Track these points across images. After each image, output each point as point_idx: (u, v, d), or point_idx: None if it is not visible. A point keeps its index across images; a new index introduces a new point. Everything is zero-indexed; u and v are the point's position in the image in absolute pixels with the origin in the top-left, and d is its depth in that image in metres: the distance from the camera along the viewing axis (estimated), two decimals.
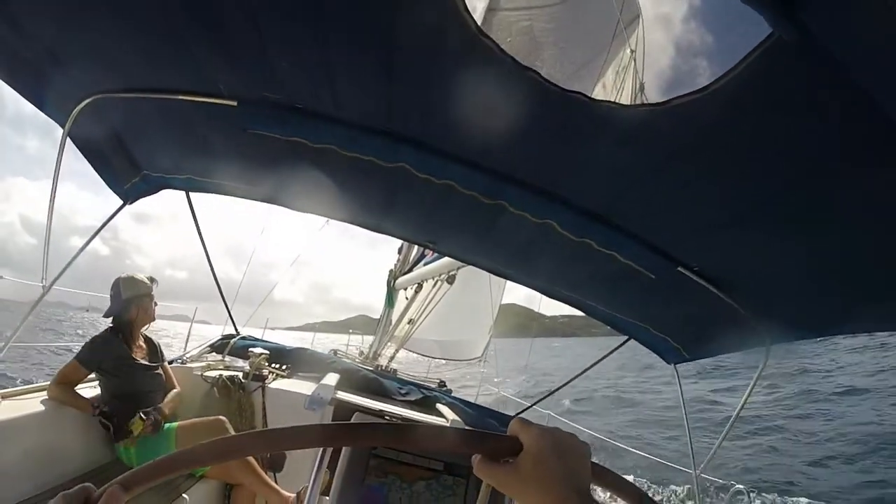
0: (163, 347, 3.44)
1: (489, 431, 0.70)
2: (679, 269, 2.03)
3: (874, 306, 1.81)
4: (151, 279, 3.32)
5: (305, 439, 0.71)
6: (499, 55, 1.24)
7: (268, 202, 2.93)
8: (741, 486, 4.02)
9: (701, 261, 2.01)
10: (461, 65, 1.34)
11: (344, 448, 1.44)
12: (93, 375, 3.00)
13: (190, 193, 3.31)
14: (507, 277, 3.12)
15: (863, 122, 1.03)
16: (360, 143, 1.91)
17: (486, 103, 1.47)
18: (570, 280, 2.76)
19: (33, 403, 2.69)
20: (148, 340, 3.33)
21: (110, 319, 3.16)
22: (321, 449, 1.62)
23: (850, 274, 1.66)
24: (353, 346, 8.69)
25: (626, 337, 3.22)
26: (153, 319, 3.33)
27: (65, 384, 2.86)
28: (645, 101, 1.38)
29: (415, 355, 9.33)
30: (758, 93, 1.07)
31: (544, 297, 3.07)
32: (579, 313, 3.13)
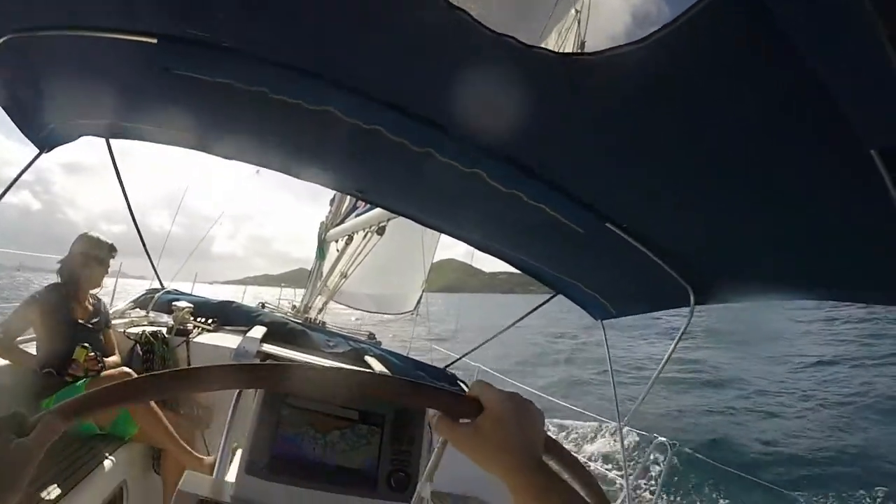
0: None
1: (452, 389, 0.72)
2: (608, 224, 2.03)
3: (802, 274, 1.85)
4: (112, 248, 3.19)
5: (253, 377, 0.71)
6: None
7: (193, 149, 2.78)
8: (663, 438, 4.26)
9: (630, 218, 2.01)
10: (392, 6, 1.27)
11: (256, 397, 1.39)
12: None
13: (111, 141, 3.10)
14: (436, 228, 3.09)
15: (804, 98, 1.02)
16: (287, 86, 1.81)
17: (415, 46, 1.40)
18: (499, 232, 2.75)
19: None
20: (95, 303, 3.18)
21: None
22: (234, 400, 1.56)
23: (778, 241, 1.69)
24: (286, 300, 8.54)
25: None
26: (98, 286, 3.19)
27: (4, 340, 2.76)
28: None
29: (355, 311, 9.31)
30: (697, 50, 1.04)
31: (485, 254, 3.06)
32: (517, 270, 3.15)
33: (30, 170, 2.79)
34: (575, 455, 0.77)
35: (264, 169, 3.01)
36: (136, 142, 2.94)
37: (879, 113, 0.97)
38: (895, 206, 1.11)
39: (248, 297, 8.81)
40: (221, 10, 1.52)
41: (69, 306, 2.97)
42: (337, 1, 1.34)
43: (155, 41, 1.70)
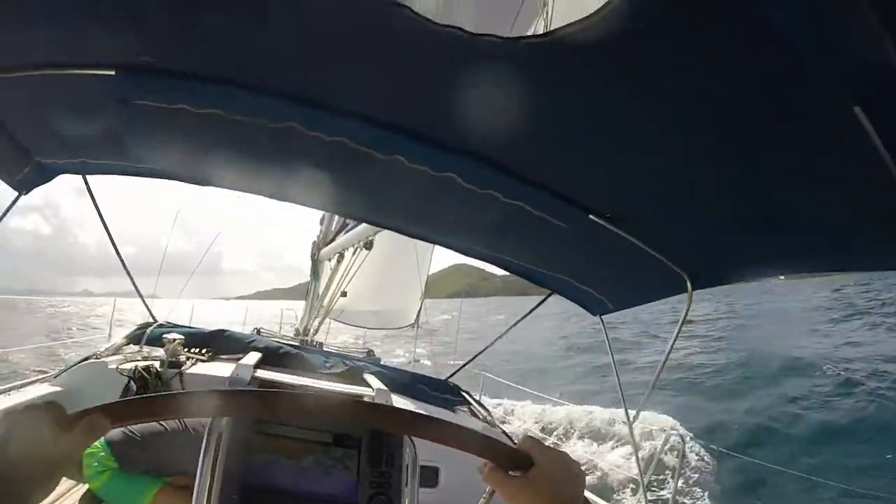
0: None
1: (504, 443, 0.73)
2: (591, 217, 1.96)
3: (798, 248, 1.79)
4: None
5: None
6: None
7: (166, 179, 2.72)
8: (676, 432, 4.18)
9: (613, 208, 1.94)
10: (336, 10, 1.22)
11: (226, 426, 1.35)
12: None
13: (88, 177, 3.08)
14: (419, 237, 3.02)
15: (779, 62, 0.97)
16: (243, 104, 1.75)
17: (363, 48, 1.34)
18: (481, 236, 2.68)
19: None
20: None
21: None
22: (207, 429, 1.49)
23: (770, 216, 1.63)
24: (287, 323, 8.48)
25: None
26: None
27: None
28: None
29: (359, 329, 9.28)
30: (656, 20, 0.97)
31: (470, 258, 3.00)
32: None
33: (39, 193, 2.78)
34: None
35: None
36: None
37: (856, 67, 0.92)
38: (884, 160, 1.06)
39: (251, 314, 8.80)
40: (171, 37, 1.49)
41: None
42: (277, 13, 1.28)
43: (113, 73, 1.67)
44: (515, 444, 0.77)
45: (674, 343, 2.78)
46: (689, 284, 2.26)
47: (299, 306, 9.07)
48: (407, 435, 0.73)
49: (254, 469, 1.31)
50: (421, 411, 1.22)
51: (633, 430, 3.26)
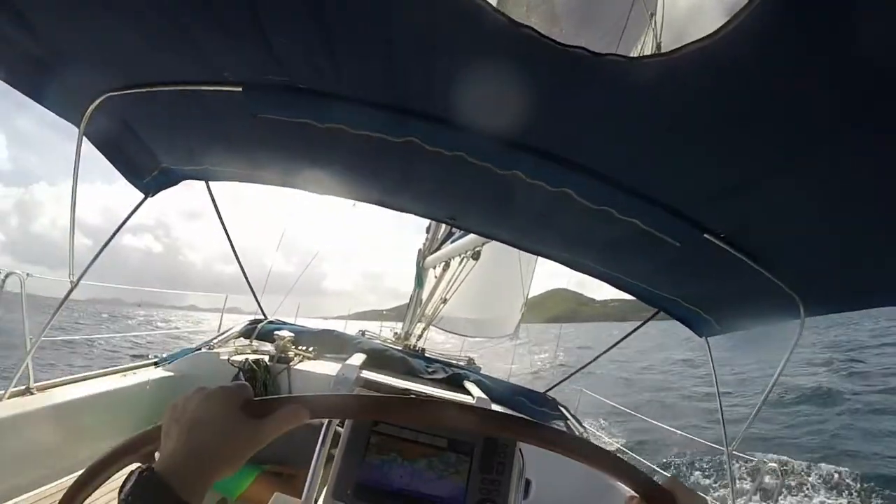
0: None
1: (652, 478, 0.77)
2: (705, 235, 1.92)
3: None
4: None
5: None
6: (492, 15, 1.16)
7: (285, 186, 2.93)
8: (774, 464, 3.88)
9: (728, 227, 1.89)
10: (460, 30, 1.28)
11: (346, 424, 1.42)
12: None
13: (211, 183, 3.36)
14: (529, 250, 3.06)
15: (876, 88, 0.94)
16: (366, 120, 1.88)
17: (487, 68, 1.39)
18: (592, 250, 2.66)
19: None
20: None
21: None
22: (324, 426, 1.60)
23: (887, 241, 1.54)
24: (388, 327, 8.72)
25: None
26: None
27: None
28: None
29: (457, 338, 9.39)
30: (771, 37, 0.96)
31: (597, 281, 2.99)
32: (630, 297, 3.05)
33: (151, 215, 3.19)
34: None
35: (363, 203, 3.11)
36: (246, 185, 3.13)
37: None
38: None
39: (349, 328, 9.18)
40: (297, 56, 1.60)
41: None
42: (402, 33, 1.36)
43: (241, 89, 1.83)
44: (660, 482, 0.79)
45: (781, 371, 2.62)
46: (802, 310, 2.16)
47: (391, 323, 9.33)
48: (572, 458, 0.76)
49: (368, 467, 1.36)
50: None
51: (729, 458, 3.11)
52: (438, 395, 3.25)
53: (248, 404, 0.65)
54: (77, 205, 2.67)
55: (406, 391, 3.14)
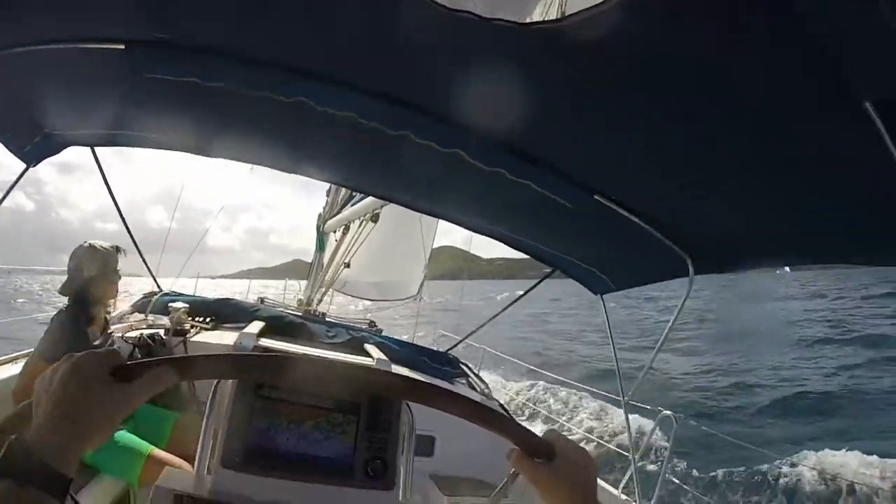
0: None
1: (531, 431, 0.81)
2: (596, 197, 1.99)
3: (802, 239, 1.81)
4: (117, 248, 3.00)
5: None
6: None
7: (176, 150, 2.78)
8: (668, 412, 4.25)
9: (618, 189, 1.97)
10: None
11: (231, 391, 1.38)
12: None
13: (96, 148, 3.13)
14: (426, 212, 3.07)
15: (794, 54, 0.98)
16: (254, 79, 1.79)
17: (377, 27, 1.37)
18: (487, 212, 2.73)
19: None
20: (106, 321, 3.06)
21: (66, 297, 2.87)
22: (211, 395, 1.53)
23: (775, 206, 1.65)
24: (291, 293, 8.51)
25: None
26: (116, 296, 3.06)
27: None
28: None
29: (362, 302, 9.34)
30: (672, 7, 0.99)
31: (484, 239, 3.06)
32: (516, 255, 3.15)
33: (20, 171, 2.79)
34: None
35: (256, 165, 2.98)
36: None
37: (872, 64, 0.94)
38: (892, 158, 1.08)
39: (252, 291, 8.87)
40: (183, 11, 1.50)
41: (88, 333, 2.84)
42: None
43: (123, 47, 1.68)
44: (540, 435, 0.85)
45: (672, 325, 2.82)
46: (691, 268, 2.29)
47: (295, 284, 9.12)
48: (449, 413, 0.77)
49: (255, 433, 1.33)
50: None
51: (626, 408, 3.37)
52: (337, 358, 3.24)
53: (116, 370, 0.64)
54: None
55: (304, 357, 3.10)
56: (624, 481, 3.52)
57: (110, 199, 4.02)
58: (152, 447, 2.57)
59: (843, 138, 1.18)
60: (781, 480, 8.50)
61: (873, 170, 1.21)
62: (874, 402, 13.30)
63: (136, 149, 2.82)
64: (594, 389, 5.52)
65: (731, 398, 13.84)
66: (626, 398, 3.30)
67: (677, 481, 4.84)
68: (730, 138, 1.39)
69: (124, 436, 2.56)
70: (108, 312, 3.01)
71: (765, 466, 8.69)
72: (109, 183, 3.85)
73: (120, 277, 3.09)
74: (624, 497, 3.38)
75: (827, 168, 1.35)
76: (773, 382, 15.18)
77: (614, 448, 5.23)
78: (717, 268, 2.27)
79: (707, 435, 6.01)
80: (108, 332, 3.08)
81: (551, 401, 12.08)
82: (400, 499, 1.44)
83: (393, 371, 2.84)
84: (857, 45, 0.91)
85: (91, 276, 2.90)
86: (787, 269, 2.11)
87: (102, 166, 3.63)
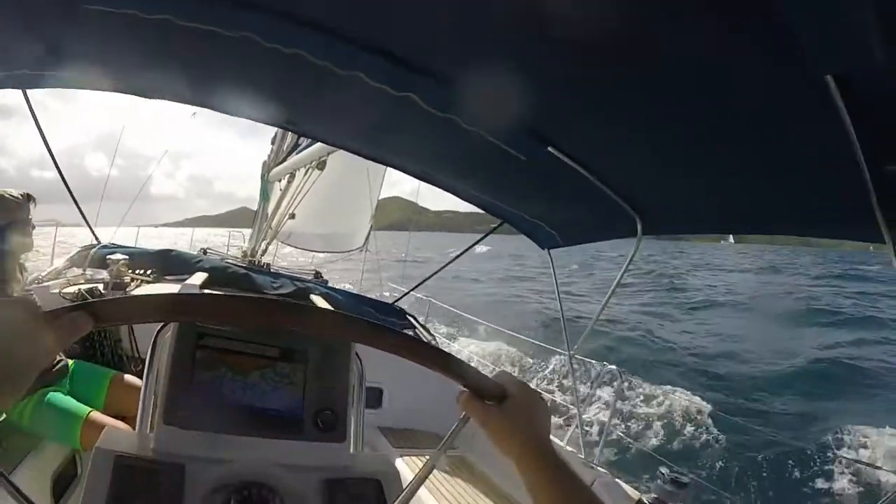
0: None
1: (480, 372, 0.78)
2: (549, 149, 1.98)
3: (752, 208, 1.86)
4: (28, 196, 2.72)
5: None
6: None
7: (115, 91, 2.57)
8: (613, 367, 4.44)
9: (573, 144, 1.97)
10: None
11: (170, 342, 1.29)
12: None
13: (29, 91, 2.90)
14: (374, 159, 3.00)
15: (754, 22, 0.97)
16: (196, 11, 1.64)
17: None
18: (439, 161, 2.69)
19: None
20: (23, 271, 2.81)
21: None
22: (150, 348, 1.46)
23: (727, 172, 1.68)
24: (235, 245, 8.29)
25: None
26: (31, 248, 2.80)
27: None
28: None
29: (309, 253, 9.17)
30: None
31: (433, 192, 3.01)
32: (464, 208, 3.08)
33: None
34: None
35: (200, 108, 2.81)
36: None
37: (833, 37, 0.94)
38: (848, 131, 1.10)
39: (196, 240, 8.58)
40: None
41: (5, 285, 2.60)
42: None
43: None
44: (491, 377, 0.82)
45: (617, 283, 2.92)
46: (639, 228, 2.34)
47: (239, 235, 8.85)
48: (395, 353, 0.73)
49: (198, 386, 1.25)
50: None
51: (571, 361, 3.49)
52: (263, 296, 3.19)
53: (28, 318, 0.59)
54: None
55: (228, 294, 3.04)
56: (569, 434, 3.68)
57: (41, 146, 3.79)
58: (91, 409, 2.48)
59: (801, 112, 1.20)
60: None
61: (826, 146, 1.24)
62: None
63: (77, 90, 2.60)
64: (543, 344, 5.69)
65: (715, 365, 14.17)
66: (571, 352, 3.41)
67: (622, 434, 5.12)
68: (684, 102, 1.40)
69: (59, 398, 2.45)
70: (24, 267, 2.82)
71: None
72: (42, 128, 3.63)
73: (34, 228, 2.87)
74: (570, 448, 3.54)
75: (782, 142, 1.38)
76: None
77: (559, 400, 5.48)
78: (665, 229, 2.33)
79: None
80: (27, 288, 2.90)
81: (504, 357, 12.29)
82: (350, 451, 1.39)
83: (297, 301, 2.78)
84: (817, 16, 0.91)
85: (7, 230, 2.67)
86: (731, 239, 2.19)
87: (36, 111, 3.39)
